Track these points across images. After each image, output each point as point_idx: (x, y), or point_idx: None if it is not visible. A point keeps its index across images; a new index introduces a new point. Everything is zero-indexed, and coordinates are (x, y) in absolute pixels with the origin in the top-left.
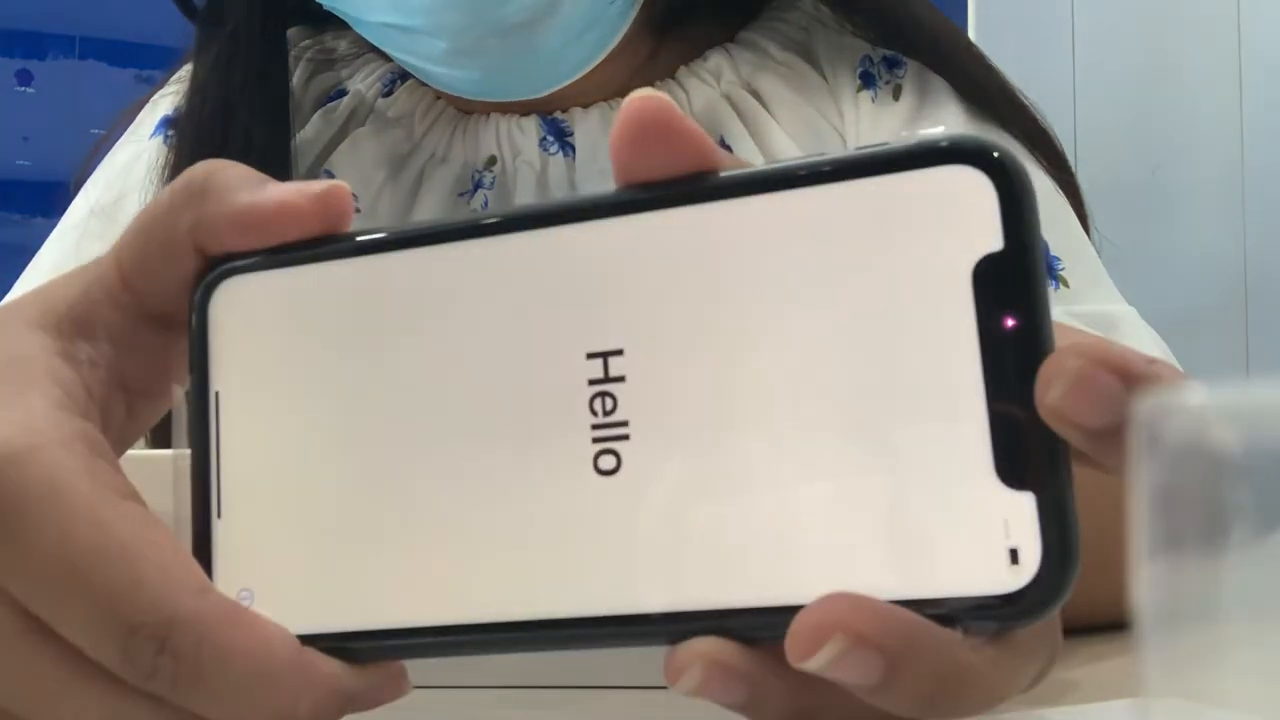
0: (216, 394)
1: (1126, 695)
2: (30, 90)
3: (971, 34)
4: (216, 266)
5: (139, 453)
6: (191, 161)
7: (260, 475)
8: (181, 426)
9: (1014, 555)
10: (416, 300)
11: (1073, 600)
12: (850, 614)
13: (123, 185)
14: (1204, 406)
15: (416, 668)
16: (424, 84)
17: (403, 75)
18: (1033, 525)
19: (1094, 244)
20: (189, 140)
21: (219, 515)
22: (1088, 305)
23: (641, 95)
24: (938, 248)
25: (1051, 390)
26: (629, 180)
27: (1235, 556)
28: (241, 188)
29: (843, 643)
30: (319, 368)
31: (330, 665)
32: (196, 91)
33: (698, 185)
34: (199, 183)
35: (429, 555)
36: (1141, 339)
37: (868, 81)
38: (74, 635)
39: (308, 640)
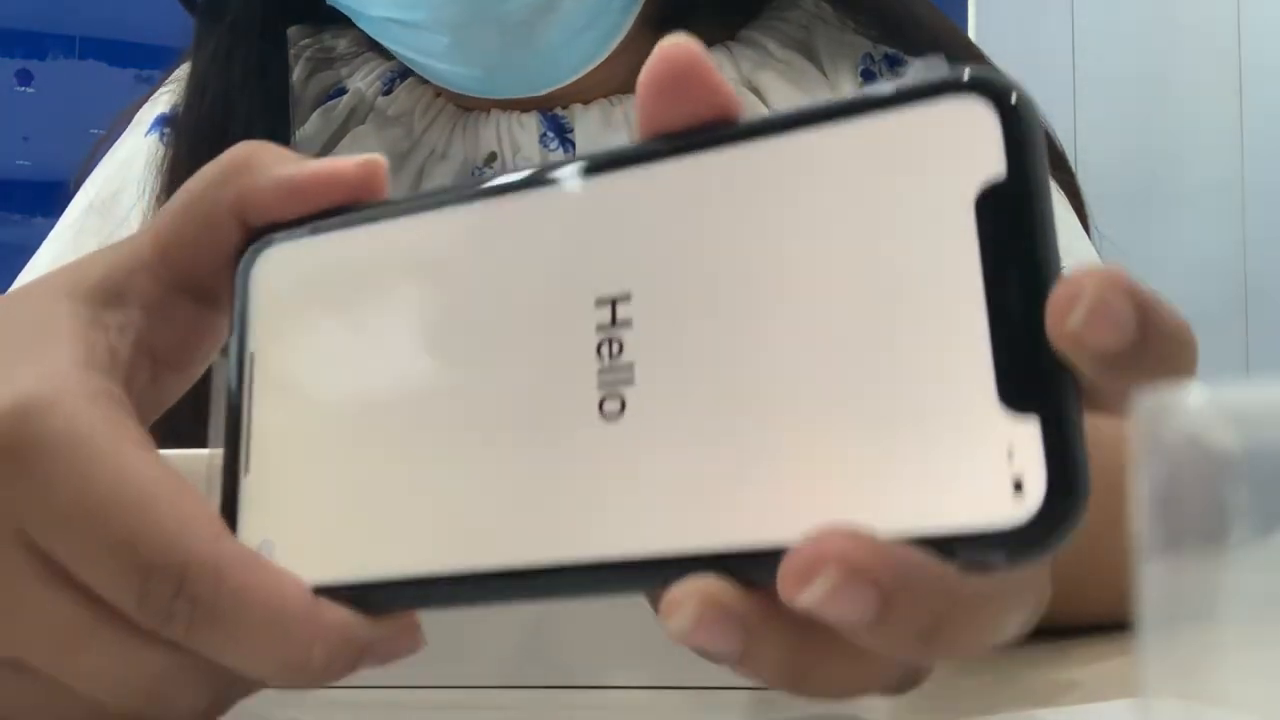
0: (252, 355)
1: (1126, 695)
2: (30, 90)
3: (971, 34)
4: (259, 237)
5: (173, 452)
6: (191, 155)
7: (286, 431)
8: (219, 426)
9: (1018, 485)
10: (437, 259)
11: (1073, 599)
12: (844, 546)
13: (120, 182)
14: (1204, 407)
15: (409, 666)
16: (424, 81)
17: (402, 73)
18: (1038, 454)
19: (1094, 244)
20: (188, 134)
21: (246, 471)
22: None
23: (673, 42)
24: (942, 177)
25: (1070, 314)
26: (653, 126)
27: (1235, 557)
28: (283, 162)
29: (835, 576)
30: (345, 329)
31: (342, 614)
32: (196, 85)
33: (706, 133)
34: (242, 159)
35: (442, 505)
36: None
37: (869, 79)
38: (93, 579)
39: (326, 592)
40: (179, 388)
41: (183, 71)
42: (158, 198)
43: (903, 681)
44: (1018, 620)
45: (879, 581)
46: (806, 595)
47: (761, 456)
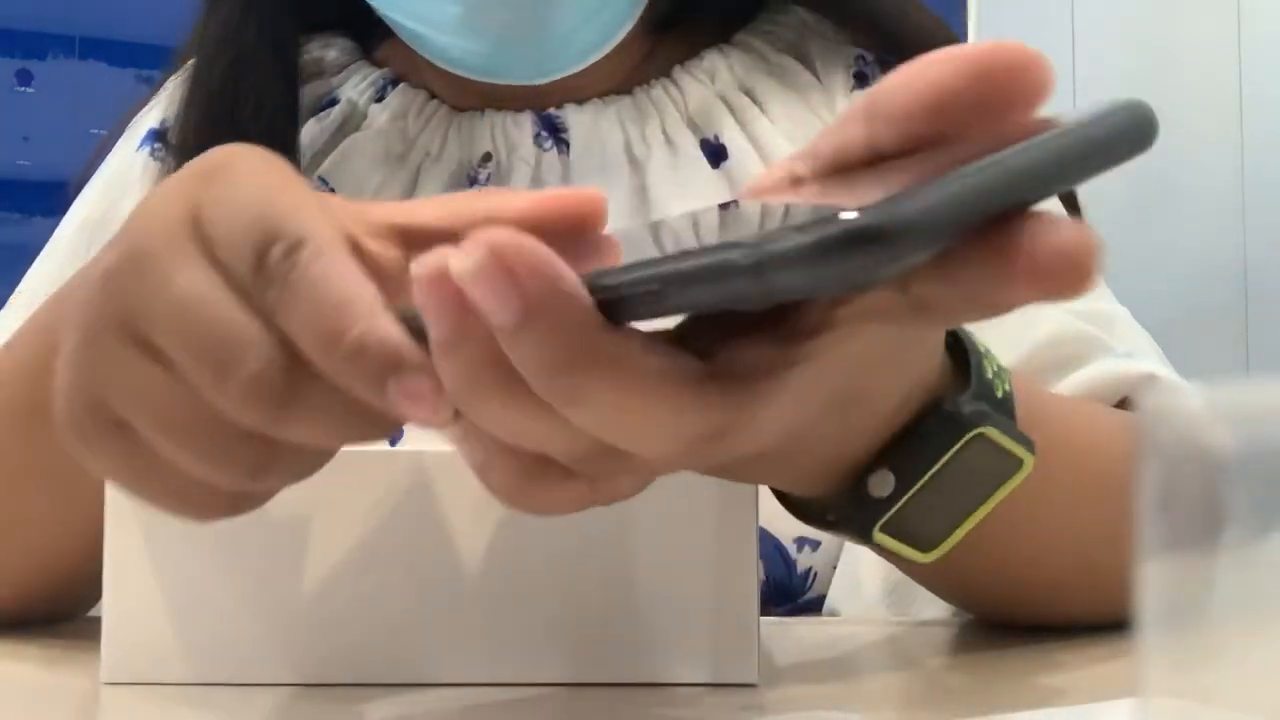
0: None
1: (1126, 695)
2: (30, 90)
3: (971, 34)
4: None
5: None
6: (205, 123)
7: None
8: None
9: None
10: None
11: (1070, 597)
12: (503, 239)
13: (109, 201)
14: (1203, 408)
15: (392, 665)
16: (416, 87)
17: (393, 80)
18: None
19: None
20: (199, 104)
21: None
22: (1083, 303)
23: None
24: None
25: None
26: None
27: (1235, 556)
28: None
29: (483, 258)
30: None
31: (395, 328)
32: (205, 54)
33: None
34: None
35: None
36: (1135, 340)
37: (861, 80)
38: (229, 247)
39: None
40: None
41: (173, 84)
42: None
43: (612, 493)
44: (679, 428)
45: (522, 282)
46: (458, 262)
47: None
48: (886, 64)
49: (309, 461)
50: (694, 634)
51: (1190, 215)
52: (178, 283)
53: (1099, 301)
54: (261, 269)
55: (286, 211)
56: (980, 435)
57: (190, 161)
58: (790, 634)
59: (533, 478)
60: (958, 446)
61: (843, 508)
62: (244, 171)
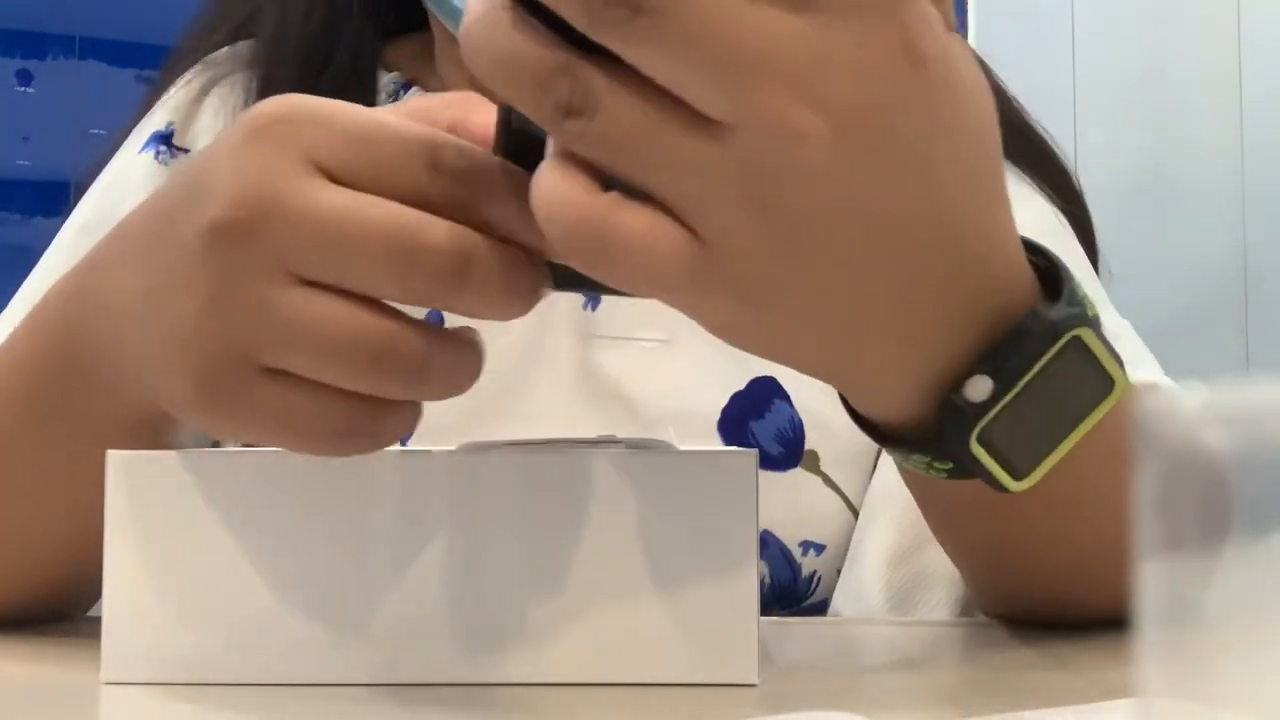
0: None
1: (1126, 695)
2: (30, 90)
3: (971, 34)
4: None
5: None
6: (297, 74)
7: None
8: None
9: None
10: None
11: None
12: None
13: (110, 204)
14: (1203, 407)
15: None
16: (430, 90)
17: (405, 85)
18: None
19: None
20: (289, 60)
21: None
22: None
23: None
24: None
25: None
26: None
27: (1235, 556)
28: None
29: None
30: None
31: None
32: (296, 11)
33: None
34: None
35: None
36: (1136, 352)
37: None
38: (346, 158)
39: None
40: None
41: (177, 89)
42: None
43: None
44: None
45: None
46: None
47: None
48: None
49: (463, 365)
50: (694, 634)
51: (1190, 215)
52: (324, 203)
53: (1102, 314)
54: (439, 167)
55: (398, 123)
56: (1077, 338)
57: (245, 120)
58: (790, 634)
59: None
60: (1056, 348)
61: (937, 421)
62: (320, 103)
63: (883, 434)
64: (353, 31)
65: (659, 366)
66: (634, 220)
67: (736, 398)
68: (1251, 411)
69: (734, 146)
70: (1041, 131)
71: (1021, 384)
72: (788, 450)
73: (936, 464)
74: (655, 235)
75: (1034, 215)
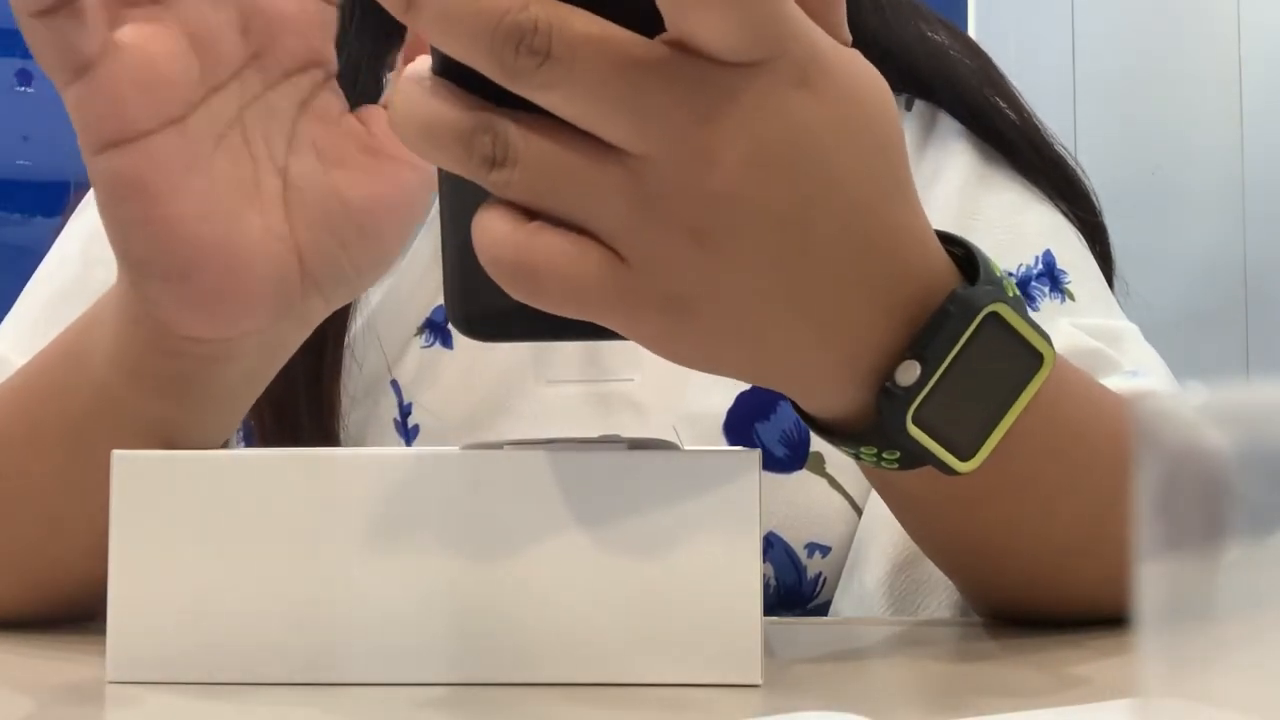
0: None
1: (1126, 695)
2: (30, 90)
3: (971, 34)
4: None
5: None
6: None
7: None
8: None
9: None
10: None
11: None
12: None
13: None
14: (1204, 407)
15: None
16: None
17: None
18: None
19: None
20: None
21: None
22: (1092, 318)
23: None
24: None
25: None
26: None
27: (1235, 556)
28: None
29: None
30: None
31: None
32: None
33: None
34: None
35: None
36: (1143, 357)
37: None
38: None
39: None
40: None
41: None
42: None
43: None
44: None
45: None
46: None
47: None
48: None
49: None
50: (697, 634)
51: (1191, 216)
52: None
53: (1109, 318)
54: None
55: None
56: (994, 314)
57: None
58: (794, 634)
59: None
60: (975, 324)
61: (873, 411)
62: None
63: (830, 430)
64: (354, 35)
65: (664, 367)
66: (558, 245)
67: (742, 399)
68: (1251, 411)
69: (647, 175)
70: (1060, 150)
71: (946, 362)
72: (793, 452)
73: (886, 455)
74: (578, 258)
75: (1039, 218)
